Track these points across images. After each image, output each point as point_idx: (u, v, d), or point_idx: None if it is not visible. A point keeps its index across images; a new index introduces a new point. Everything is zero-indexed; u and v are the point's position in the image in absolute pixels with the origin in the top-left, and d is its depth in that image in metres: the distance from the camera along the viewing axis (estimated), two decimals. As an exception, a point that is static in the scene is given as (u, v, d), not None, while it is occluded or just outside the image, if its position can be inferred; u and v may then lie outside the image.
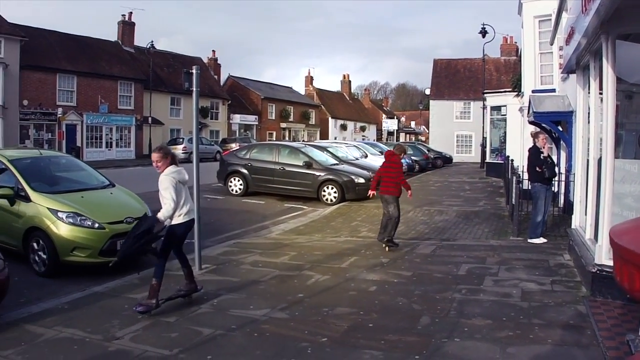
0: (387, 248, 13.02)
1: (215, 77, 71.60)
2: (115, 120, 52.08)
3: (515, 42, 63.92)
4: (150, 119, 54.66)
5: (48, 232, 10.65)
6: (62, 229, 10.60)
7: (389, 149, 15.95)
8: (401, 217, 14.18)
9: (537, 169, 13.72)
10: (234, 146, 44.89)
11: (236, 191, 23.83)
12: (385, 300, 8.95)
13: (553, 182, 14.78)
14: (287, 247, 13.41)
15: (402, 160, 14.67)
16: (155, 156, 8.52)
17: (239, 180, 23.92)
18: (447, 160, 53.63)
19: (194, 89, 10.93)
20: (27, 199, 11.15)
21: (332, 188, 22.18)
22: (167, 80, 59.09)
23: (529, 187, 14.23)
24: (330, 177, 22.48)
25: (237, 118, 70.53)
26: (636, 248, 1.54)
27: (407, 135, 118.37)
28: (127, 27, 58.40)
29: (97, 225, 10.72)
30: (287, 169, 22.83)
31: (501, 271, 10.82)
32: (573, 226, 12.20)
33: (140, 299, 8.72)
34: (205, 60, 70.86)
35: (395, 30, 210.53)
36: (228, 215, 18.71)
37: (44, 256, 10.77)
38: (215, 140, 61.93)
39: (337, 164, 24.36)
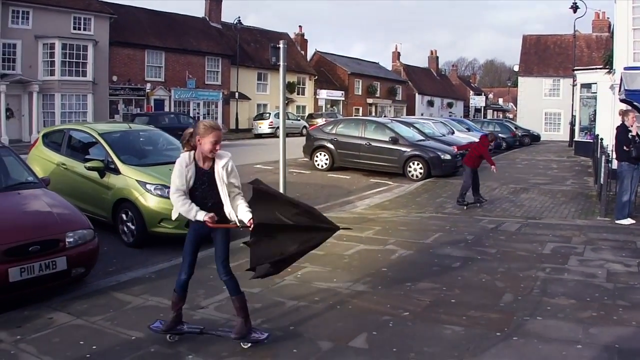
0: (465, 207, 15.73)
1: (302, 52, 71.89)
2: (202, 95, 53.01)
3: (608, 18, 61.83)
4: (237, 94, 55.40)
5: (137, 203, 11.01)
6: (150, 201, 10.94)
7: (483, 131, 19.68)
8: (487, 195, 17.03)
9: (625, 147, 13.36)
10: (320, 121, 45.22)
11: (322, 166, 24.06)
12: (468, 277, 8.96)
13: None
14: (372, 221, 13.49)
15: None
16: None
17: (324, 155, 24.13)
18: (534, 138, 52.62)
19: (281, 64, 11.10)
20: (116, 171, 11.54)
21: (417, 164, 22.09)
22: (254, 56, 59.68)
23: (617, 167, 13.93)
24: (416, 152, 22.37)
25: (323, 93, 70.81)
26: None
27: (495, 113, 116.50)
28: (214, 3, 59.09)
29: (183, 197, 10.98)
30: (373, 144, 22.87)
31: (587, 251, 10.67)
32: (663, 207, 11.93)
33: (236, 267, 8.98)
34: (292, 36, 71.20)
35: (484, 5, 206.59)
36: (314, 189, 18.93)
37: (133, 227, 11.15)
38: (302, 115, 62.43)
39: (423, 140, 24.19)
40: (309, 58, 75.00)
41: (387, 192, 18.88)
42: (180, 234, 10.87)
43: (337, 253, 10.39)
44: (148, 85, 48.07)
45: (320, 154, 24.28)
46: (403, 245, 10.93)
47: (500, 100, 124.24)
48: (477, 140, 17.27)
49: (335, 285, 8.49)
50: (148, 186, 11.04)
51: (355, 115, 66.82)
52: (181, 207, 6.10)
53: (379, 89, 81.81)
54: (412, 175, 21.95)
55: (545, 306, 7.57)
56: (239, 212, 6.20)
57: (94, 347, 6.28)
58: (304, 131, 41.27)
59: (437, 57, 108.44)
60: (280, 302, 7.73)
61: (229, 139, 44.58)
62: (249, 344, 6.25)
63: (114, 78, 45.57)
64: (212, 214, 6.06)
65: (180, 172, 6.08)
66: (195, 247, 6.41)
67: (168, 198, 10.71)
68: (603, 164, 15.12)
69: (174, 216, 6.39)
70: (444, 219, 13.98)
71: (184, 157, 6.15)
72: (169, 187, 10.68)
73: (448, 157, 22.20)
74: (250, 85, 58.75)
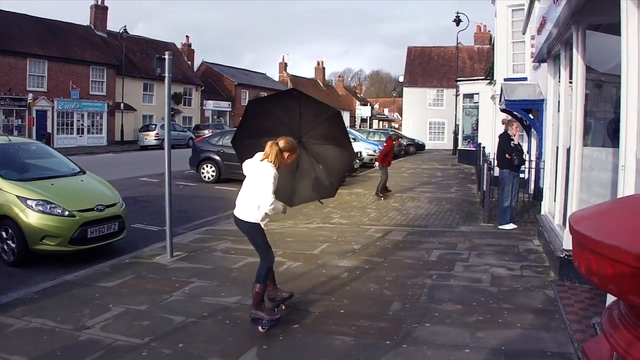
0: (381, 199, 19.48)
1: (189, 62, 71.10)
2: (86, 106, 51.47)
3: (489, 31, 64.14)
4: (122, 105, 54.15)
5: (17, 220, 10.45)
6: (32, 217, 10.42)
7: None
8: (372, 204, 17.71)
9: (507, 155, 13.82)
10: (207, 132, 44.80)
11: (209, 178, 23.79)
12: (356, 286, 9.00)
13: (522, 169, 14.94)
14: (270, 231, 13.33)
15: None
16: None
17: (211, 167, 23.87)
18: (419, 147, 53.94)
19: (166, 75, 10.84)
20: (-5, 186, 10.97)
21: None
22: (140, 66, 58.56)
23: (499, 174, 14.36)
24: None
25: (210, 104, 70.25)
26: (592, 234, 1.57)
27: (380, 122, 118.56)
28: (99, 11, 57.49)
29: (67, 213, 10.55)
30: (260, 155, 22.76)
31: (472, 257, 10.93)
32: (542, 212, 12.35)
33: (114, 286, 8.75)
34: (179, 46, 70.34)
35: (375, 17, 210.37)
36: (200, 202, 18.66)
37: (13, 245, 10.58)
38: (188, 126, 61.61)
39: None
40: (195, 68, 74.27)
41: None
42: (63, 251, 10.51)
43: (225, 267, 10.25)
44: (30, 96, 46.19)
45: (207, 166, 23.99)
46: (291, 257, 10.89)
47: (386, 110, 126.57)
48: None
49: (223, 299, 8.34)
50: (29, 202, 10.49)
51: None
52: (277, 205, 7.20)
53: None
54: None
55: (433, 312, 7.67)
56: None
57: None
58: (190, 143, 40.80)
59: (324, 68, 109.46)
60: (169, 319, 7.51)
61: (113, 151, 43.61)
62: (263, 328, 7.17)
63: (-6, 88, 43.62)
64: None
65: (275, 182, 6.99)
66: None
67: (50, 214, 10.36)
68: (485, 172, 15.61)
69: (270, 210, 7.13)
70: (331, 230, 14.05)
71: (275, 171, 7.06)
72: (51, 203, 10.29)
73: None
74: (136, 95, 57.51)
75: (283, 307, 7.81)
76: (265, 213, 7.12)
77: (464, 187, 23.59)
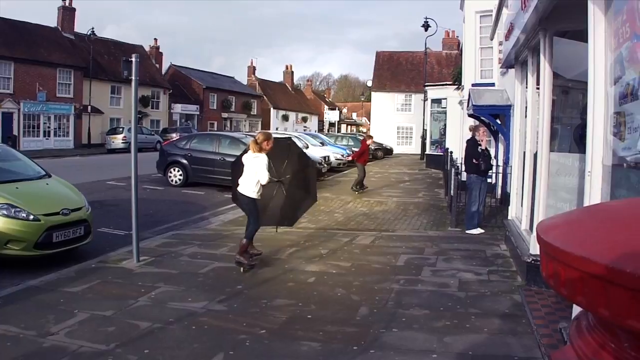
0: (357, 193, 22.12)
1: (157, 65, 70.78)
2: (53, 108, 50.87)
3: (457, 37, 64.54)
4: (89, 107, 53.66)
5: (-21, 224, 10.28)
6: (-5, 222, 10.26)
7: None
8: (340, 208, 17.94)
9: (474, 160, 13.89)
10: (175, 136, 44.60)
11: (176, 182, 23.63)
12: (324, 291, 8.97)
13: (489, 174, 15.02)
14: (227, 238, 13.39)
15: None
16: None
17: (178, 171, 23.71)
18: (387, 151, 54.06)
19: (133, 78, 10.73)
20: (-43, 190, 10.74)
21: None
22: (107, 68, 58.03)
23: (466, 179, 14.42)
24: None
25: (178, 107, 69.91)
26: (561, 244, 1.54)
27: (349, 127, 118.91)
28: (67, 12, 56.91)
29: (32, 217, 10.36)
30: (228, 159, 22.60)
31: (439, 262, 10.95)
32: (509, 217, 12.43)
33: (79, 291, 8.65)
34: (147, 49, 69.91)
35: (344, 21, 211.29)
36: (167, 206, 18.52)
37: (-24, 250, 10.42)
38: (156, 129, 61.28)
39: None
40: (164, 71, 73.91)
41: (242, 207, 18.70)
42: (28, 255, 10.33)
43: (192, 271, 10.17)
44: (-5, 97, 45.63)
45: (174, 170, 23.82)
46: (258, 262, 10.83)
47: (354, 115, 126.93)
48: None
49: (190, 305, 8.26)
50: (-8, 206, 10.33)
51: (210, 130, 66.22)
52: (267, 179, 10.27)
53: (234, 104, 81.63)
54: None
55: (401, 318, 7.66)
56: None
57: None
58: (158, 146, 40.54)
59: (292, 72, 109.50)
60: (135, 324, 7.41)
61: (80, 155, 43.18)
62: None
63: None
64: None
65: (267, 164, 10.17)
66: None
67: (15, 218, 10.17)
68: (453, 176, 15.67)
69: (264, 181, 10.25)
70: (298, 234, 14.01)
71: (265, 157, 10.20)
72: (16, 207, 10.12)
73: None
74: (104, 98, 56.97)
75: (242, 269, 10.30)
76: (261, 186, 10.26)
77: (431, 191, 23.71)
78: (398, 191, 23.54)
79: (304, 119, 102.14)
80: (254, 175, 10.18)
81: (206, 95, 75.83)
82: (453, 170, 16.00)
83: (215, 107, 77.88)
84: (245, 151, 10.74)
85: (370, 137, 25.52)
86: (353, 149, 40.66)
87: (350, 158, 24.94)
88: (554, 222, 1.87)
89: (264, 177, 10.11)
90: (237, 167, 11.07)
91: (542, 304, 8.02)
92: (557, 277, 1.66)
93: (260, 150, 10.20)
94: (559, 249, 1.64)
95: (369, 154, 26.04)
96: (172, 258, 11.20)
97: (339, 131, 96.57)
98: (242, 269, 10.24)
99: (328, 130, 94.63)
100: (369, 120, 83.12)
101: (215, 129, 70.81)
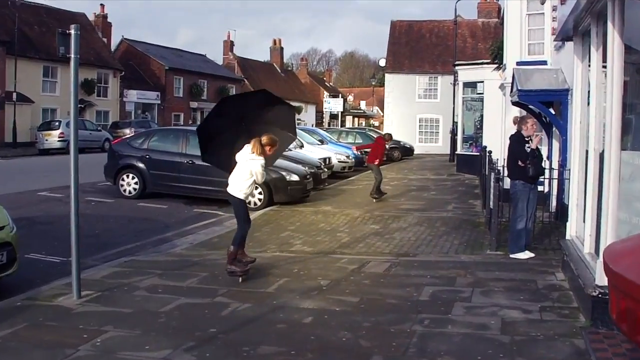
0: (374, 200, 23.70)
1: (105, 40, 70.90)
2: (-35, 96, 50.92)
3: (497, 0, 64.66)
4: (15, 94, 53.41)
5: None
6: None
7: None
8: (345, 226, 18.38)
9: (520, 163, 13.78)
10: (128, 132, 44.73)
11: (130, 192, 23.55)
12: (324, 336, 8.88)
13: (540, 180, 14.94)
14: (197, 266, 13.35)
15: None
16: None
17: (133, 178, 23.62)
18: (406, 151, 54.04)
19: (72, 56, 10.64)
20: None
21: (256, 188, 21.96)
22: (38, 43, 57.95)
23: (510, 187, 14.33)
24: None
25: (133, 95, 69.94)
26: (637, 277, 1.44)
27: (356, 119, 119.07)
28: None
29: None
30: (198, 162, 22.52)
31: (475, 295, 10.87)
32: (568, 236, 12.35)
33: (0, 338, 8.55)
34: (92, 18, 69.94)
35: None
36: (119, 224, 18.50)
37: None
38: (104, 124, 61.33)
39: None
40: (114, 48, 74.01)
41: (216, 225, 18.78)
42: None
43: (150, 310, 10.08)
44: None
45: (128, 177, 23.73)
46: (238, 297, 10.76)
47: (363, 104, 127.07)
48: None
49: (148, 354, 8.17)
50: None
51: (174, 124, 66.27)
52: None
53: (206, 90, 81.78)
54: (249, 203, 21.77)
55: (425, 371, 7.59)
56: None
57: None
58: (106, 145, 40.50)
59: (282, 49, 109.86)
60: (71, 383, 7.35)
61: (3, 156, 43.08)
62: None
63: None
64: None
65: (263, 167, 12.07)
66: None
67: None
68: (493, 184, 15.56)
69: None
70: (290, 260, 13.97)
71: (263, 160, 11.98)
72: None
73: (296, 178, 22.31)
74: (34, 83, 56.85)
75: (240, 280, 11.82)
76: (253, 186, 12.42)
77: (464, 203, 23.68)
78: (421, 203, 23.52)
79: (298, 110, 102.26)
80: (247, 174, 12.00)
81: (169, 79, 75.95)
82: (492, 175, 15.92)
83: (181, 95, 78.01)
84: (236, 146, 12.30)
85: (390, 137, 27.60)
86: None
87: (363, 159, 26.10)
88: (628, 247, 1.78)
89: (260, 177, 12.14)
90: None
91: (613, 352, 7.92)
92: (632, 319, 1.57)
93: (261, 153, 11.93)
94: (633, 283, 1.55)
95: (384, 154, 27.02)
96: (125, 293, 11.12)
97: (342, 125, 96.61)
98: (240, 279, 11.84)
99: (329, 124, 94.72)
100: (382, 111, 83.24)
101: (182, 123, 71.02)
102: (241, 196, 12.14)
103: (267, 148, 12.04)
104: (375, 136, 49.62)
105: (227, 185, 23.35)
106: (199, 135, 13.13)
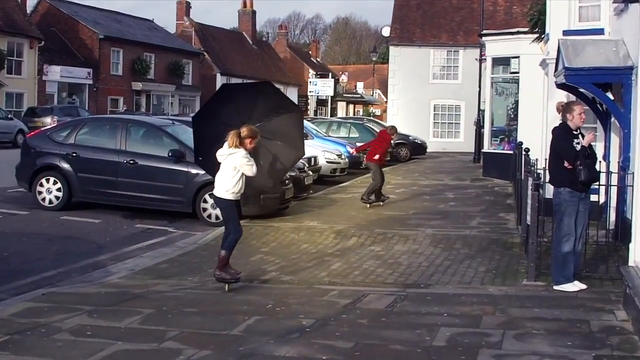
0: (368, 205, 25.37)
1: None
2: None
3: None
4: None
5: None
6: None
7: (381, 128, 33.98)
8: (336, 247, 18.63)
9: (567, 164, 13.68)
10: (50, 122, 44.60)
11: (51, 201, 23.51)
12: (307, 394, 8.88)
13: (594, 187, 14.85)
14: (139, 300, 13.26)
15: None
16: None
17: (56, 183, 23.54)
18: (417, 148, 54.04)
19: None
20: None
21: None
22: None
23: (554, 196, 14.24)
24: (217, 177, 22.24)
25: (56, 72, 69.84)
26: None
27: (352, 106, 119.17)
28: None
29: None
30: (142, 162, 22.54)
31: (507, 340, 10.85)
32: (631, 262, 12.32)
33: None
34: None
35: None
36: (36, 244, 18.48)
37: None
38: (17, 110, 61.17)
39: (228, 156, 24.06)
40: (30, 9, 73.84)
41: (165, 246, 18.76)
42: None
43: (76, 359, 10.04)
44: None
45: (48, 181, 23.62)
46: (193, 341, 10.77)
47: (360, 86, 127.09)
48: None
49: None
50: None
51: (110, 112, 66.20)
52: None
53: (153, 66, 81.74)
54: (210, 216, 21.79)
55: None
56: None
57: None
58: (20, 139, 40.43)
59: (254, 13, 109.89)
60: None
61: None
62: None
63: None
64: None
65: (248, 158, 13.43)
66: None
67: None
68: (531, 192, 15.48)
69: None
70: (263, 292, 13.97)
71: (245, 152, 13.37)
72: None
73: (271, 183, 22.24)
74: None
75: (226, 287, 13.75)
76: (241, 184, 13.65)
77: (493, 217, 23.69)
78: (435, 217, 23.50)
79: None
80: (231, 171, 13.54)
81: (105, 52, 75.95)
82: (530, 181, 15.86)
83: (120, 73, 78.06)
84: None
85: (395, 130, 28.21)
86: (357, 143, 40.78)
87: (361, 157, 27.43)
88: None
89: (249, 169, 13.46)
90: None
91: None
92: None
93: (240, 145, 13.29)
94: None
95: (387, 152, 28.22)
96: (42, 337, 11.07)
97: (333, 114, 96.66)
98: (226, 286, 13.71)
99: (315, 113, 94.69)
100: (385, 96, 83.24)
101: (121, 110, 70.78)
102: (229, 197, 13.69)
103: (248, 141, 13.38)
104: (376, 129, 49.91)
105: (183, 191, 24.15)
106: (195, 133, 15.00)
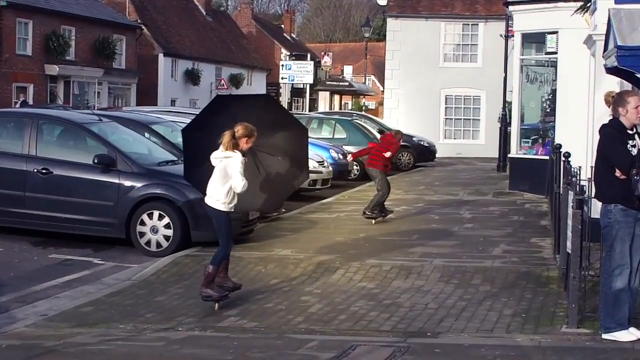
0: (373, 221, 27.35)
1: None
2: None
3: None
4: None
5: None
6: None
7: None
8: (316, 283, 18.68)
9: (619, 173, 13.56)
10: None
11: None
12: None
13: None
14: (52, 356, 13.11)
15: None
16: None
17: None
18: (423, 153, 54.10)
19: None
20: None
21: (159, 217, 21.85)
22: None
23: (602, 215, 14.15)
24: (156, 191, 22.41)
25: None
26: None
27: (337, 97, 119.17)
28: None
29: None
30: (58, 172, 22.49)
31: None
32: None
33: None
34: None
35: None
36: None
37: None
38: None
39: (173, 162, 24.28)
40: None
41: (89, 283, 18.63)
42: None
43: None
44: None
45: None
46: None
47: (348, 71, 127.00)
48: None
49: None
50: None
51: (16, 106, 66.18)
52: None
53: (74, 44, 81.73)
54: (149, 244, 21.71)
55: None
56: None
57: None
58: None
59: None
60: None
61: None
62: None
63: None
64: None
65: (242, 166, 14.79)
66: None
67: None
68: (571, 210, 15.46)
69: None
70: (218, 344, 13.92)
71: (240, 157, 14.81)
72: None
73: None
74: None
75: (216, 306, 15.62)
76: (235, 194, 15.05)
77: (522, 243, 23.71)
78: (447, 242, 23.51)
79: (236, 79, 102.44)
80: (223, 179, 15.06)
81: (8, 24, 75.83)
82: (571, 195, 15.83)
83: (30, 52, 77.98)
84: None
85: (402, 135, 30.27)
86: (348, 147, 40.78)
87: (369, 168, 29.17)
88: None
89: (239, 184, 14.86)
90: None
91: None
92: None
93: (235, 147, 14.80)
94: None
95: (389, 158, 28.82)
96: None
97: (313, 108, 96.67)
98: (215, 305, 15.67)
99: (290, 106, 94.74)
100: (382, 85, 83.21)
101: (31, 103, 70.75)
102: (220, 207, 15.26)
103: (243, 141, 14.91)
104: (369, 127, 49.99)
105: (113, 210, 24.31)
106: (185, 146, 16.82)
